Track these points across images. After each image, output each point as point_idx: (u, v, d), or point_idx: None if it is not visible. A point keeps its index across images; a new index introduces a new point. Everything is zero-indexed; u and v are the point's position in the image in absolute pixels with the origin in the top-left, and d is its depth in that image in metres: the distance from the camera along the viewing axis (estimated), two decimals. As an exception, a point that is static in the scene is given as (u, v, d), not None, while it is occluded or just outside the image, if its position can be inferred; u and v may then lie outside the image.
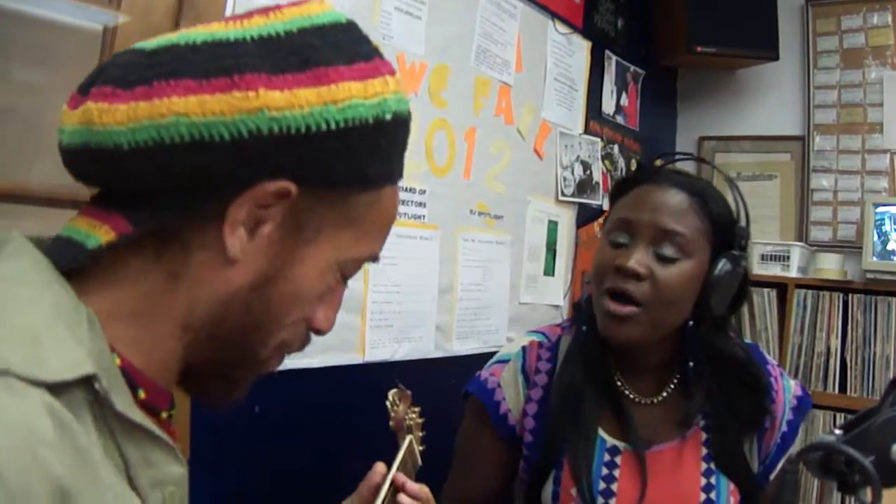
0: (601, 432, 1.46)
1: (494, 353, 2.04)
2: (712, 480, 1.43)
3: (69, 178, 0.71)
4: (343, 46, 0.69)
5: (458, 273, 2.26)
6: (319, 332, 0.79)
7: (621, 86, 3.13)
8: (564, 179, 2.73)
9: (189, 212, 0.67)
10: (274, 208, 0.68)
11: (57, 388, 0.58)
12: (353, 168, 0.70)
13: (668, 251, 1.37)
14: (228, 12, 1.60)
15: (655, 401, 1.48)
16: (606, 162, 3.00)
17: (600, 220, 2.94)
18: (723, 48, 3.32)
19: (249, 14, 0.69)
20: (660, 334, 1.42)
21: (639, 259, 1.36)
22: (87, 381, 0.61)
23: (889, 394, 0.96)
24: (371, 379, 1.92)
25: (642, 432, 1.44)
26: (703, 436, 1.46)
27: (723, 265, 1.38)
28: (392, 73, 0.72)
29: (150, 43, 0.68)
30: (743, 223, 1.44)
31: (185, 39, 0.67)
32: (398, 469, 1.25)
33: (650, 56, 3.39)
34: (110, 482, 0.61)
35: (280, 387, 1.65)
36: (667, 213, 1.38)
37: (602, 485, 1.43)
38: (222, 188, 0.66)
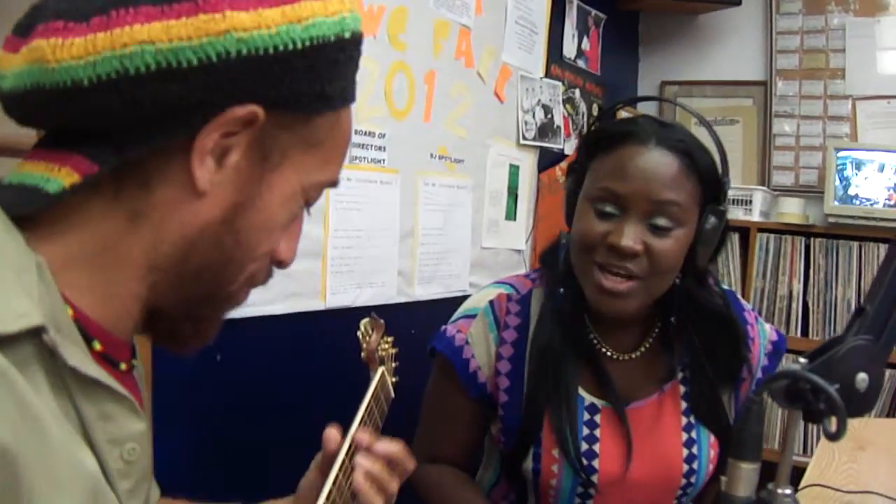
0: (580, 391, 1.42)
1: (457, 298, 2.03)
2: (693, 434, 1.42)
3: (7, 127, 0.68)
4: None
5: (419, 218, 2.23)
6: (282, 265, 0.78)
7: (582, 30, 3.09)
8: (526, 123, 2.70)
9: (154, 146, 0.64)
10: (240, 136, 0.66)
11: (1, 342, 0.56)
12: (316, 88, 0.69)
13: (663, 222, 1.29)
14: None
15: (633, 356, 1.44)
16: (568, 106, 2.97)
17: (562, 164, 2.92)
18: (685, -8, 3.30)
19: None
20: (654, 300, 1.37)
21: (633, 236, 1.28)
22: (35, 334, 0.58)
23: (853, 323, 0.95)
24: (332, 325, 1.91)
25: (621, 389, 1.41)
26: (682, 389, 1.44)
27: (710, 222, 1.32)
28: None
29: None
30: (722, 171, 1.35)
31: None
32: (371, 401, 1.18)
33: (612, 0, 3.35)
34: (61, 440, 0.59)
35: (241, 334, 1.63)
36: (659, 183, 1.29)
37: (584, 445, 1.40)
38: (190, 117, 0.64)
